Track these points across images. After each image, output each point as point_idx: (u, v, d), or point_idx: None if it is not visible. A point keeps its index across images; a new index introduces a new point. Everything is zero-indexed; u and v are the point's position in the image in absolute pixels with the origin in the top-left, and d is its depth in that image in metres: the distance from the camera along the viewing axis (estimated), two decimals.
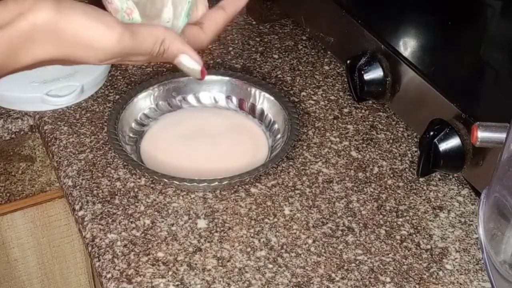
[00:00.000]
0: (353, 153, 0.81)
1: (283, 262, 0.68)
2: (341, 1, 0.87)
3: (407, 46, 0.81)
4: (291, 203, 0.74)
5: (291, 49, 0.98)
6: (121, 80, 0.91)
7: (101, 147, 0.81)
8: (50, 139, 0.82)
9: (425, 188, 0.77)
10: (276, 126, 0.83)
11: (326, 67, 0.95)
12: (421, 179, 0.78)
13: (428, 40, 0.85)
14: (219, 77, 0.87)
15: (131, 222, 0.72)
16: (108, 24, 0.55)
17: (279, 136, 0.81)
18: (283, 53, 0.97)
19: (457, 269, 0.68)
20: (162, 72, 0.92)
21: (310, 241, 0.70)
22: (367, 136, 0.84)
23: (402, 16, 0.88)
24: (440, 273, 0.68)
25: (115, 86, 0.90)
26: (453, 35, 0.83)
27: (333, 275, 0.67)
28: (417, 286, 0.67)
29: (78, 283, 1.07)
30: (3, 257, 0.98)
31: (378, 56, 0.80)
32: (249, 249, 0.69)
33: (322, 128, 0.85)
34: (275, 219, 0.73)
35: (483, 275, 0.68)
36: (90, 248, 0.70)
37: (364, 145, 0.82)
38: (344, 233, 0.71)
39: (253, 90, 0.85)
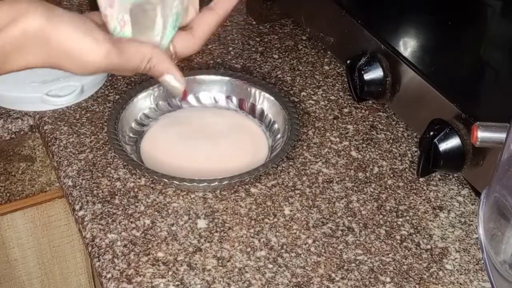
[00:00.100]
0: (353, 153, 0.81)
1: (283, 262, 0.68)
2: (341, 1, 0.87)
3: (407, 46, 0.81)
4: (291, 203, 0.74)
5: (291, 49, 0.98)
6: (121, 80, 0.91)
7: (101, 147, 0.81)
8: (50, 139, 0.82)
9: (425, 188, 0.77)
10: (276, 126, 0.83)
11: (326, 67, 0.95)
12: (421, 179, 0.78)
13: (428, 40, 0.85)
14: (219, 77, 0.87)
15: (131, 222, 0.72)
16: (97, 39, 0.55)
17: (279, 136, 0.81)
18: (283, 53, 0.97)
19: (457, 269, 0.68)
20: None
21: (310, 241, 0.70)
22: (367, 136, 0.84)
23: (402, 16, 0.88)
24: (440, 273, 0.68)
25: (115, 86, 0.90)
26: (453, 35, 0.83)
27: (333, 275, 0.67)
28: (417, 286, 0.67)
29: (78, 283, 1.07)
30: (3, 257, 0.98)
31: (378, 56, 0.80)
32: (249, 249, 0.69)
33: (322, 128, 0.85)
34: (275, 219, 0.73)
35: (483, 275, 0.68)
36: (90, 248, 0.70)
37: (364, 145, 0.82)
38: (344, 233, 0.71)
39: (253, 90, 0.85)
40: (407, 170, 0.79)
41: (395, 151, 0.82)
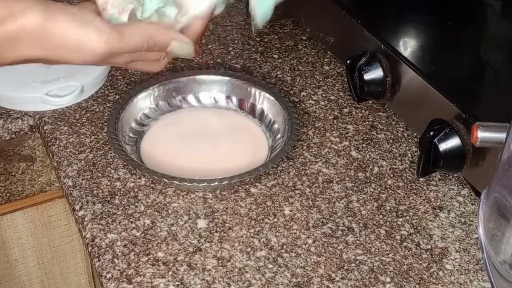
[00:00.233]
0: (353, 153, 0.81)
1: (283, 262, 0.68)
2: (341, 1, 0.87)
3: (407, 46, 0.82)
4: (291, 203, 0.74)
5: (291, 49, 0.98)
6: (121, 80, 0.91)
7: (101, 147, 0.81)
8: (50, 139, 0.82)
9: (425, 188, 0.77)
10: (276, 126, 0.83)
11: (326, 67, 0.95)
12: (421, 179, 0.78)
13: (428, 40, 0.85)
14: (219, 77, 0.87)
15: (131, 222, 0.72)
16: (96, 26, 0.56)
17: (279, 136, 0.81)
18: (283, 53, 0.97)
19: (457, 269, 0.68)
20: (162, 72, 0.92)
21: (310, 241, 0.70)
22: (367, 136, 0.84)
23: (402, 16, 0.88)
24: (440, 273, 0.68)
25: (115, 86, 0.90)
26: (453, 35, 0.83)
27: (333, 275, 0.67)
28: (417, 286, 0.67)
29: (78, 283, 1.07)
30: (3, 257, 0.98)
31: (378, 56, 0.80)
32: (249, 249, 0.69)
33: (322, 128, 0.85)
34: (275, 219, 0.73)
35: (483, 275, 0.68)
36: (90, 248, 0.70)
37: (364, 145, 0.82)
38: (344, 233, 0.71)
39: (253, 90, 0.85)
40: (407, 170, 0.79)
41: (395, 151, 0.82)
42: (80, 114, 0.86)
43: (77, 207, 0.74)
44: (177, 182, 0.73)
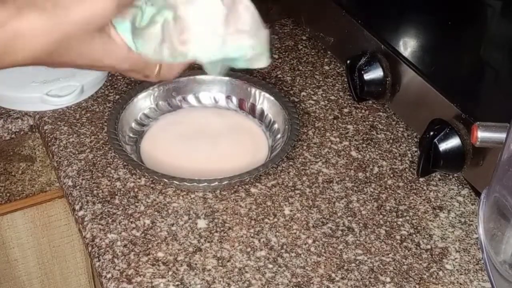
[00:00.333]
0: (353, 153, 0.81)
1: (283, 262, 0.68)
2: (341, 1, 0.87)
3: (407, 46, 0.82)
4: (291, 203, 0.74)
5: (291, 49, 0.98)
6: (121, 80, 0.91)
7: (101, 147, 0.81)
8: (50, 139, 0.82)
9: (425, 188, 0.77)
10: (276, 126, 0.83)
11: (326, 67, 0.95)
12: (421, 179, 0.78)
13: (428, 40, 0.85)
14: (219, 77, 0.87)
15: (131, 222, 0.72)
16: None
17: (279, 136, 0.81)
18: (283, 53, 0.97)
19: (457, 269, 0.68)
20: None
21: (310, 241, 0.70)
22: (367, 136, 0.84)
23: (402, 16, 0.88)
24: (440, 273, 0.68)
25: (115, 86, 0.90)
26: (453, 35, 0.83)
27: (333, 275, 0.67)
28: (417, 286, 0.67)
29: (78, 283, 1.07)
30: (3, 257, 0.98)
31: (378, 56, 0.80)
32: (249, 249, 0.69)
33: (322, 128, 0.85)
34: (275, 219, 0.73)
35: (483, 275, 0.68)
36: (90, 248, 0.70)
37: (364, 145, 0.82)
38: (344, 233, 0.71)
39: (253, 90, 0.85)
40: (407, 170, 0.79)
41: (395, 151, 0.82)
42: (80, 114, 0.86)
43: (77, 207, 0.74)
44: (177, 182, 0.73)
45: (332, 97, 0.90)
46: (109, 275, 0.67)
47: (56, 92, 0.86)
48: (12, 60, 0.53)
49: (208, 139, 0.82)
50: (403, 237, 0.71)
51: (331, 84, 0.92)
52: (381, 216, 0.74)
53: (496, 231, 0.51)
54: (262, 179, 0.77)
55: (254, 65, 0.62)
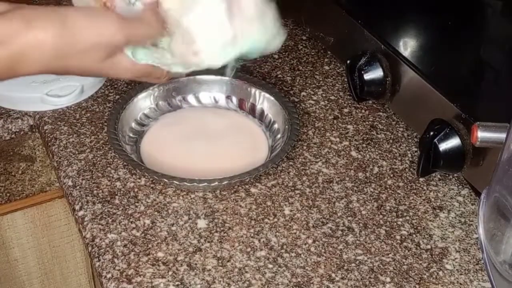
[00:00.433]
0: (353, 153, 0.81)
1: (283, 262, 0.68)
2: (341, 1, 0.87)
3: (407, 46, 0.82)
4: (291, 203, 0.74)
5: (291, 49, 0.98)
6: (121, 80, 0.91)
7: (101, 147, 0.81)
8: (50, 139, 0.82)
9: (425, 188, 0.77)
10: (276, 126, 0.83)
11: (326, 67, 0.95)
12: (421, 179, 0.78)
13: (428, 40, 0.85)
14: (219, 77, 0.87)
15: (131, 222, 0.72)
16: (110, 16, 0.57)
17: (279, 136, 0.81)
18: (283, 53, 0.97)
19: (457, 269, 0.68)
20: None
21: (310, 241, 0.70)
22: (367, 136, 0.84)
23: (402, 16, 0.88)
24: (440, 273, 0.68)
25: (115, 86, 0.90)
26: (453, 35, 0.83)
27: (333, 275, 0.67)
28: (417, 286, 0.67)
29: (78, 283, 1.07)
30: (3, 257, 0.98)
31: (378, 56, 0.80)
32: (249, 249, 0.69)
33: (322, 128, 0.85)
34: (275, 219, 0.73)
35: (483, 275, 0.68)
36: (90, 248, 0.70)
37: (364, 145, 0.82)
38: (344, 233, 0.71)
39: (253, 90, 0.85)
40: (407, 170, 0.79)
41: (395, 151, 0.82)
42: (80, 114, 0.86)
43: (77, 207, 0.74)
44: (177, 182, 0.73)
45: (332, 97, 0.90)
46: (109, 275, 0.67)
47: (56, 92, 0.86)
48: (23, 72, 0.54)
49: (208, 139, 0.82)
50: (403, 237, 0.71)
51: (331, 84, 0.92)
52: (381, 216, 0.73)
53: (496, 231, 0.51)
54: (262, 179, 0.77)
55: (270, 48, 0.61)
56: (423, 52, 0.81)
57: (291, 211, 0.74)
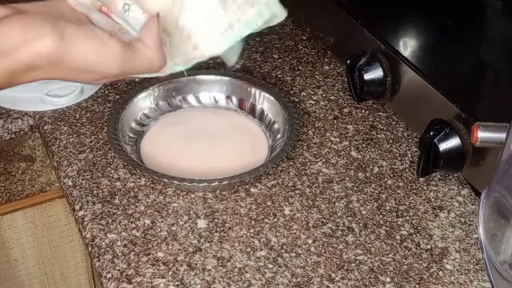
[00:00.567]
0: (353, 153, 0.81)
1: (283, 262, 0.68)
2: (341, 1, 0.87)
3: (407, 46, 0.81)
4: (291, 203, 0.74)
5: (291, 49, 0.98)
6: (121, 80, 0.91)
7: (101, 147, 0.81)
8: (50, 139, 0.82)
9: (425, 188, 0.77)
10: (276, 126, 0.83)
11: (326, 67, 0.95)
12: (421, 179, 0.78)
13: (428, 40, 0.85)
14: (219, 77, 0.87)
15: (131, 222, 0.72)
16: (111, 49, 0.54)
17: (279, 136, 0.81)
18: (283, 53, 0.97)
19: (457, 269, 0.68)
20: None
21: (310, 241, 0.70)
22: (367, 136, 0.84)
23: (402, 16, 0.88)
24: (440, 273, 0.68)
25: (115, 86, 0.90)
26: (453, 35, 0.83)
27: (333, 275, 0.67)
28: (417, 286, 0.67)
29: (78, 283, 1.07)
30: (3, 257, 0.98)
31: (378, 56, 0.80)
32: (249, 249, 0.69)
33: (322, 128, 0.85)
34: (275, 219, 0.73)
35: (483, 275, 0.68)
36: (90, 248, 0.70)
37: (364, 145, 0.82)
38: (344, 233, 0.71)
39: (253, 90, 0.85)
40: (407, 170, 0.79)
41: (395, 151, 0.82)
42: (80, 114, 0.86)
43: (77, 207, 0.74)
44: (177, 182, 0.73)
45: (332, 97, 0.90)
46: (109, 275, 0.67)
47: (56, 92, 0.86)
48: (20, 82, 0.54)
49: (208, 139, 0.82)
50: (403, 237, 0.71)
51: (331, 84, 0.92)
52: (381, 216, 0.74)
53: (496, 231, 0.51)
54: (262, 179, 0.77)
55: (272, 24, 0.60)
56: (423, 52, 0.81)
57: (291, 211, 0.74)
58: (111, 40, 0.54)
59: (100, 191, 0.75)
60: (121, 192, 0.75)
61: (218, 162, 0.79)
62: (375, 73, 0.81)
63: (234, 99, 0.87)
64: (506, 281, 0.50)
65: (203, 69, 0.92)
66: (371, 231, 0.72)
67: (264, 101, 0.85)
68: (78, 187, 0.76)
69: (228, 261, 0.68)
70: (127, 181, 0.76)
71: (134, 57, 0.56)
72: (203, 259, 0.68)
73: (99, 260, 0.68)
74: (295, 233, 0.71)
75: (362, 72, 0.81)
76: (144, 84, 0.85)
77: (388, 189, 0.77)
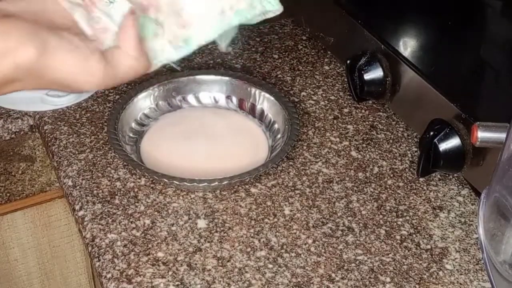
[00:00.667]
0: (353, 153, 0.81)
1: (283, 262, 0.68)
2: (341, 1, 0.87)
3: (407, 46, 0.81)
4: (291, 203, 0.74)
5: (291, 49, 0.98)
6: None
7: (101, 147, 0.81)
8: (50, 139, 0.82)
9: (425, 188, 0.77)
10: (276, 126, 0.83)
11: (326, 67, 0.95)
12: (421, 179, 0.78)
13: (428, 40, 0.85)
14: (219, 77, 0.87)
15: (131, 222, 0.72)
16: (93, 65, 0.52)
17: (279, 136, 0.81)
18: (283, 53, 0.97)
19: (457, 269, 0.68)
20: (162, 72, 0.92)
21: (310, 241, 0.70)
22: (367, 136, 0.84)
23: (402, 16, 0.88)
24: (440, 273, 0.68)
25: (115, 86, 0.90)
26: (453, 35, 0.83)
27: (333, 275, 0.67)
28: (417, 286, 0.67)
29: (78, 283, 1.07)
30: (3, 257, 0.98)
31: (378, 56, 0.80)
32: (249, 249, 0.69)
33: (322, 128, 0.85)
34: (275, 219, 0.73)
35: (483, 275, 0.68)
36: (90, 248, 0.70)
37: (364, 145, 0.82)
38: (344, 233, 0.71)
39: (253, 90, 0.85)
40: (407, 170, 0.79)
41: (395, 151, 0.82)
42: (80, 114, 0.86)
43: (77, 207, 0.74)
44: (177, 182, 0.73)
45: (332, 97, 0.90)
46: (109, 275, 0.67)
47: (56, 92, 0.86)
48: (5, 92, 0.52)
49: (208, 139, 0.82)
50: (403, 237, 0.71)
51: (331, 84, 0.92)
52: (381, 216, 0.74)
53: (496, 231, 0.51)
54: (262, 179, 0.77)
55: (267, 17, 0.59)
56: (423, 52, 0.81)
57: (291, 211, 0.74)
58: (92, 58, 0.52)
59: (100, 191, 0.75)
60: (121, 192, 0.75)
61: (218, 162, 0.79)
62: (375, 73, 0.81)
63: (234, 99, 0.87)
64: (506, 281, 0.50)
65: (203, 69, 0.92)
66: (371, 231, 0.72)
67: (264, 101, 0.85)
68: (78, 187, 0.76)
69: (228, 261, 0.68)
70: (127, 181, 0.76)
71: (116, 70, 0.53)
72: (203, 259, 0.68)
73: (99, 260, 0.68)
74: (295, 233, 0.71)
75: (362, 72, 0.81)
76: (144, 84, 0.85)
77: (388, 189, 0.77)
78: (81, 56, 0.51)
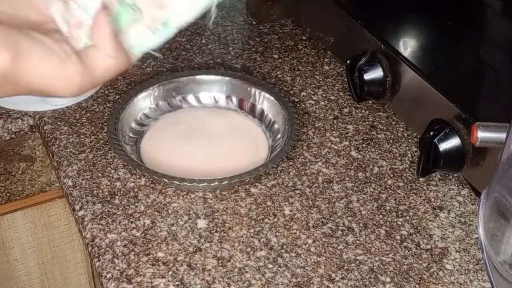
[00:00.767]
0: (353, 153, 0.81)
1: (283, 262, 0.68)
2: (341, 1, 0.87)
3: (407, 46, 0.81)
4: (291, 203, 0.74)
5: (291, 49, 0.98)
6: (121, 80, 0.91)
7: (101, 147, 0.81)
8: (50, 139, 0.82)
9: (425, 188, 0.77)
10: (276, 126, 0.83)
11: (326, 67, 0.95)
12: (421, 179, 0.78)
13: (428, 40, 0.85)
14: (219, 77, 0.87)
15: (131, 222, 0.72)
16: (69, 69, 0.49)
17: (279, 136, 0.81)
18: (283, 53, 0.97)
19: (457, 269, 0.68)
20: (162, 72, 0.92)
21: (310, 241, 0.70)
22: (367, 136, 0.84)
23: (402, 16, 0.88)
24: (440, 273, 0.68)
25: (115, 86, 0.90)
26: (453, 35, 0.83)
27: (333, 275, 0.67)
28: (417, 286, 0.67)
29: (78, 283, 1.07)
30: (3, 257, 0.98)
31: (378, 56, 0.80)
32: (249, 249, 0.69)
33: (322, 128, 0.85)
34: (275, 219, 0.73)
35: (483, 275, 0.68)
36: (90, 248, 0.70)
37: (364, 145, 0.82)
38: (344, 233, 0.71)
39: (253, 90, 0.85)
40: (407, 170, 0.79)
41: (395, 151, 0.82)
42: (80, 114, 0.86)
43: (77, 207, 0.74)
44: (177, 182, 0.73)
45: (332, 97, 0.90)
46: (109, 275, 0.67)
47: None
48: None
49: (208, 139, 0.82)
50: (403, 237, 0.71)
51: (331, 84, 0.92)
52: (381, 216, 0.74)
53: (496, 231, 0.51)
54: (262, 179, 0.77)
55: None
56: (423, 52, 0.81)
57: (291, 211, 0.74)
58: (68, 62, 0.49)
59: (100, 191, 0.75)
60: (121, 192, 0.75)
61: (218, 162, 0.79)
62: (375, 73, 0.81)
63: (234, 99, 0.87)
64: (506, 281, 0.50)
65: (203, 69, 0.92)
66: (371, 231, 0.72)
67: (264, 101, 0.85)
68: (78, 187, 0.76)
69: (228, 261, 0.68)
70: (127, 181, 0.76)
71: (94, 73, 0.50)
72: (203, 259, 0.68)
73: (99, 260, 0.68)
74: (295, 233, 0.71)
75: (362, 72, 0.81)
76: (144, 84, 0.85)
77: (388, 189, 0.77)
78: (56, 60, 0.48)
